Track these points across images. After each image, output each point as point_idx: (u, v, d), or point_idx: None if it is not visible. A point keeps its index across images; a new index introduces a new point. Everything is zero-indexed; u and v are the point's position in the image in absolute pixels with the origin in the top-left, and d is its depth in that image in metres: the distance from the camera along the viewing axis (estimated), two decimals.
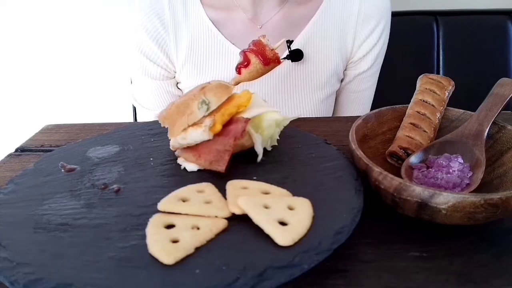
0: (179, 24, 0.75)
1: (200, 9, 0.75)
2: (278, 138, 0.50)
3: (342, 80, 0.83)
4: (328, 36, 0.76)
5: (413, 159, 0.46)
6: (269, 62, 0.50)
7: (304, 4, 0.77)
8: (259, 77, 0.51)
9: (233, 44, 0.75)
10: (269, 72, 0.52)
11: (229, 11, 0.76)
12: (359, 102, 0.85)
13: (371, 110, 0.52)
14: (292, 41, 0.74)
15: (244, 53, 0.50)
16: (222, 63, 0.75)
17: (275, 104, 0.78)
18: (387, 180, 0.37)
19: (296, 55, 0.74)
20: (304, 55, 0.75)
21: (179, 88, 0.82)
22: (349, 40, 0.78)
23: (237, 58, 0.52)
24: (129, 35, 0.78)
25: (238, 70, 0.50)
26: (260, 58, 0.49)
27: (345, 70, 0.82)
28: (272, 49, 0.50)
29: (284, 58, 0.73)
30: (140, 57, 0.77)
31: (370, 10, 0.77)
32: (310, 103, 0.79)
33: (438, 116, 0.50)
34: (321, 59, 0.77)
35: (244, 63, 0.50)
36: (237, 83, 0.50)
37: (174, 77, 0.80)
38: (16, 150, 0.57)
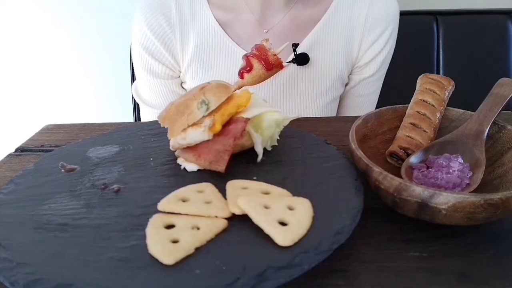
0: (185, 25, 0.74)
1: (207, 10, 0.74)
2: (278, 138, 0.50)
3: (346, 84, 0.83)
4: (335, 40, 0.76)
5: (413, 159, 0.46)
6: (272, 67, 0.50)
7: (312, 7, 0.76)
8: (261, 81, 0.51)
9: (239, 45, 0.74)
10: (273, 76, 0.52)
11: (236, 12, 0.75)
12: (363, 107, 0.85)
13: None
14: (298, 44, 0.73)
15: (246, 57, 0.50)
16: (227, 64, 0.75)
17: (278, 108, 0.77)
18: (387, 180, 0.37)
19: (302, 59, 0.74)
20: (309, 58, 0.74)
21: (183, 88, 0.82)
22: (356, 44, 0.77)
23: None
24: (133, 34, 0.78)
25: (241, 74, 0.50)
26: (263, 63, 0.49)
27: (350, 74, 0.82)
28: (275, 54, 0.50)
29: (290, 62, 0.73)
30: (145, 56, 0.77)
31: (378, 15, 0.76)
32: (314, 107, 0.78)
33: (438, 116, 0.50)
34: (327, 63, 0.76)
35: (246, 68, 0.50)
36: (239, 88, 0.50)
37: (179, 76, 0.80)
38: (16, 150, 0.57)
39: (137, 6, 0.76)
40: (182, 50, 0.75)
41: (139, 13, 0.75)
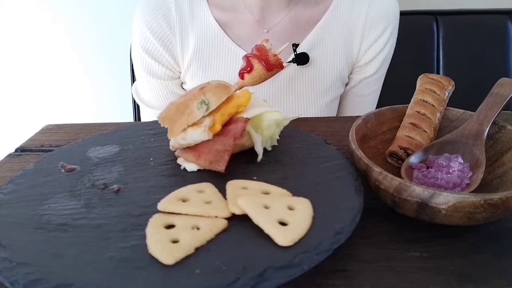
0: (185, 25, 0.74)
1: (206, 10, 0.74)
2: (278, 138, 0.50)
3: (346, 84, 0.83)
4: (335, 39, 0.76)
5: (413, 159, 0.46)
6: (272, 68, 0.50)
7: (312, 7, 0.76)
8: (262, 82, 0.51)
9: (238, 46, 0.74)
10: (273, 77, 0.52)
11: (236, 12, 0.75)
12: (363, 106, 0.85)
13: None
14: (298, 44, 0.73)
15: (247, 58, 0.50)
16: (227, 65, 0.75)
17: (278, 108, 0.77)
18: (387, 180, 0.37)
19: (302, 59, 0.74)
20: (310, 58, 0.74)
21: (184, 89, 0.81)
22: (356, 44, 0.77)
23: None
24: (133, 34, 0.77)
25: (241, 75, 0.50)
26: (263, 64, 0.49)
27: (351, 74, 0.82)
28: (275, 55, 0.50)
29: (290, 62, 0.73)
30: (145, 56, 0.77)
31: (379, 14, 0.76)
32: (315, 107, 0.78)
33: (438, 116, 0.50)
34: (327, 63, 0.76)
35: (247, 69, 0.50)
36: (240, 88, 0.50)
37: (179, 77, 0.80)
38: (16, 150, 0.57)
39: (137, 7, 0.76)
40: (182, 51, 0.75)
41: (139, 14, 0.75)
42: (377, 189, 0.39)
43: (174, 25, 0.74)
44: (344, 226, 0.35)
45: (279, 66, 0.51)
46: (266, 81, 0.51)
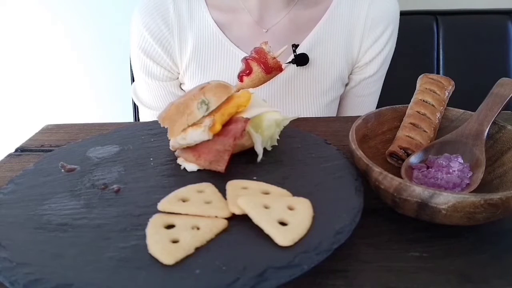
0: (183, 26, 0.74)
1: (205, 11, 0.74)
2: (278, 138, 0.50)
3: (346, 84, 0.83)
4: (335, 40, 0.76)
5: (413, 159, 0.46)
6: (271, 70, 0.50)
7: (312, 7, 0.76)
8: (261, 84, 0.51)
9: (237, 47, 0.74)
10: (272, 79, 0.52)
11: (235, 13, 0.75)
12: (363, 107, 0.85)
13: None
14: (298, 45, 0.73)
15: (246, 61, 0.50)
16: (226, 66, 0.75)
17: (278, 108, 0.77)
18: (387, 180, 0.37)
19: (301, 60, 0.74)
20: (309, 59, 0.74)
21: (182, 89, 0.81)
22: (356, 44, 0.77)
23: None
24: (131, 36, 0.77)
25: (240, 78, 0.50)
26: (262, 67, 0.49)
27: (351, 74, 0.81)
28: (274, 57, 0.50)
29: (289, 63, 0.73)
30: (143, 58, 0.76)
31: (379, 14, 0.75)
32: (314, 108, 0.78)
33: (438, 116, 0.50)
34: (327, 63, 0.76)
35: (246, 71, 0.50)
36: (239, 91, 0.50)
37: (178, 78, 0.80)
38: (16, 150, 0.57)
39: (135, 8, 0.76)
40: (180, 52, 0.75)
41: (137, 15, 0.75)
42: (377, 189, 0.39)
43: (172, 26, 0.74)
44: (344, 226, 0.35)
45: (278, 69, 0.51)
46: (266, 83, 0.52)
